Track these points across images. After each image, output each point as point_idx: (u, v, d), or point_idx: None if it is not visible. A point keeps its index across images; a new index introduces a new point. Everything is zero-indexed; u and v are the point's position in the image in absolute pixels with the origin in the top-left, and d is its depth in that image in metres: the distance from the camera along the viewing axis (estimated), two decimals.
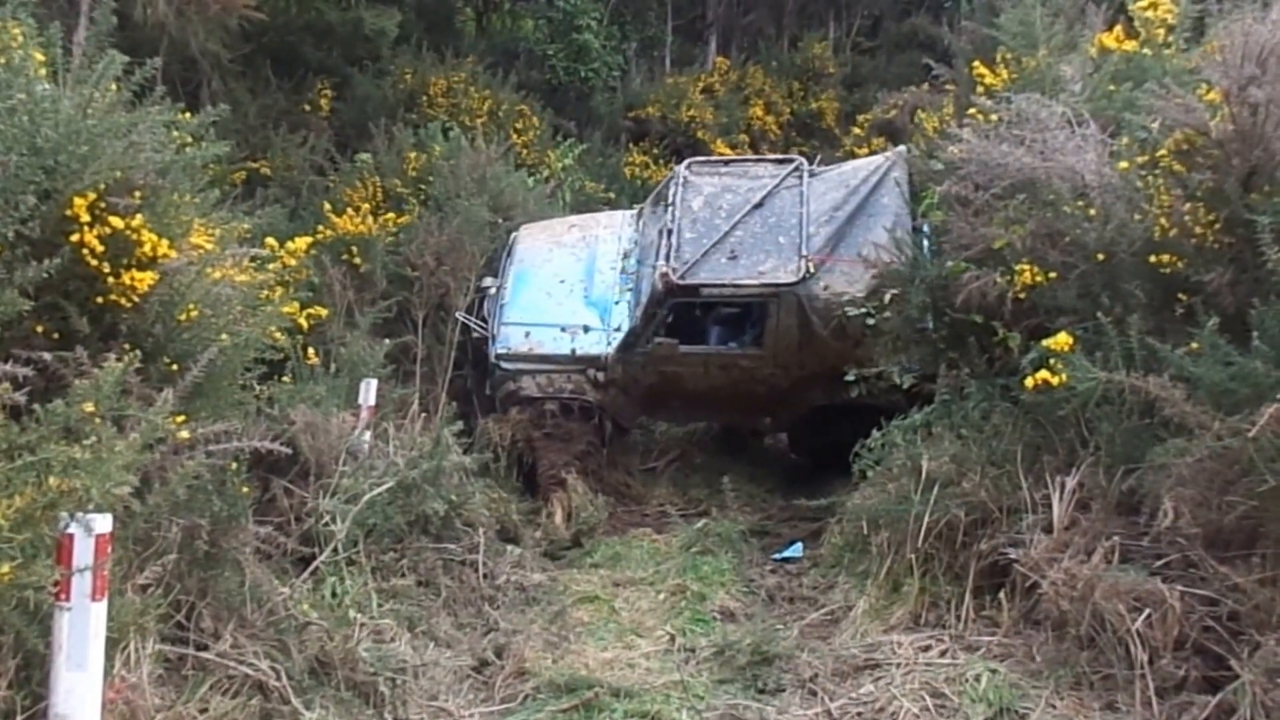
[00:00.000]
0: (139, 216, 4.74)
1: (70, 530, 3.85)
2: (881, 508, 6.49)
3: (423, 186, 10.78)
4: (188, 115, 5.64)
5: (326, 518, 6.06)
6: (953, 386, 6.71)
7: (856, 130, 17.71)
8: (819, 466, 8.86)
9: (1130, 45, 7.28)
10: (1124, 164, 5.86)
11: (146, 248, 4.76)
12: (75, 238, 4.56)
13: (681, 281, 8.90)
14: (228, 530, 5.05)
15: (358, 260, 9.48)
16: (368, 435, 7.02)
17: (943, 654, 5.52)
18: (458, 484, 7.19)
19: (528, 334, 9.40)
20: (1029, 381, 5.54)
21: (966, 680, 5.19)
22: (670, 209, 9.41)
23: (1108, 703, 4.93)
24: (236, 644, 4.84)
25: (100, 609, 3.93)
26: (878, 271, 8.00)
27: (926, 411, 6.83)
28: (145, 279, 4.75)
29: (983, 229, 6.51)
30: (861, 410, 7.63)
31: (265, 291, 6.06)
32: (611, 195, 14.38)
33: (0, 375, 4.02)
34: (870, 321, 8.02)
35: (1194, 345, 4.98)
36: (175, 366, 4.88)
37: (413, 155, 11.16)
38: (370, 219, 9.89)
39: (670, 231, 9.19)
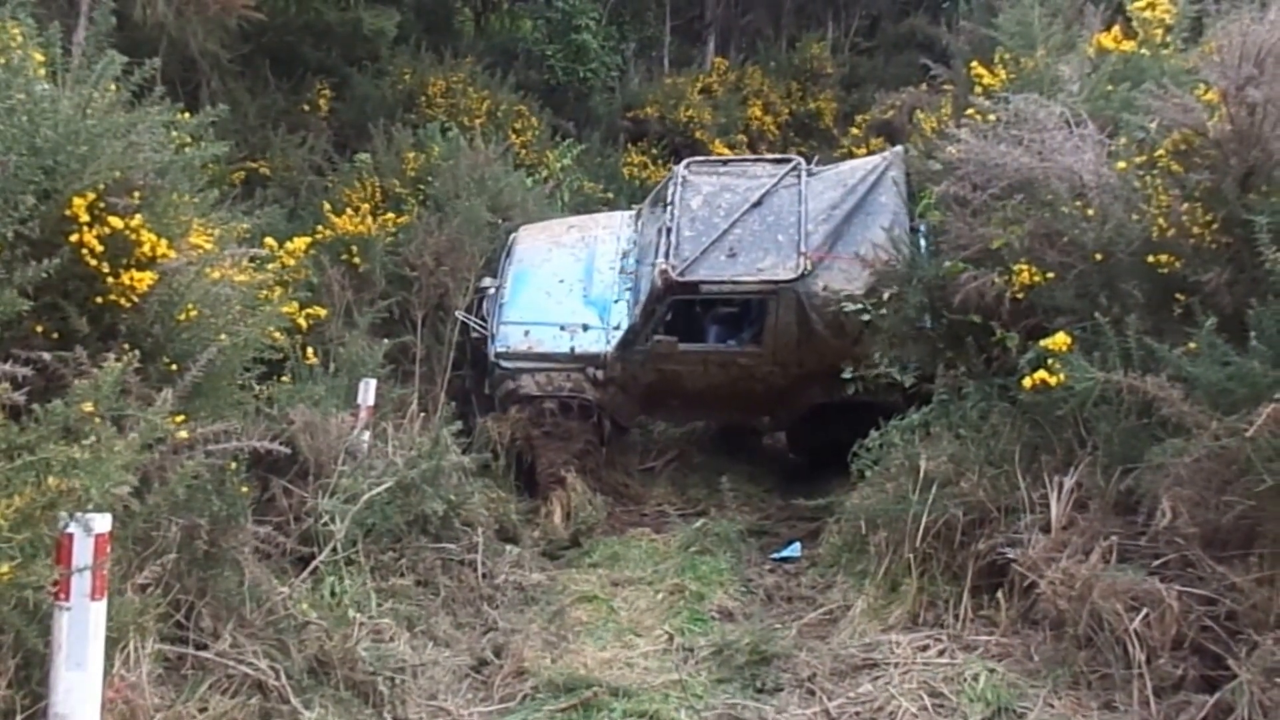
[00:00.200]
0: (138, 216, 4.75)
1: (70, 530, 3.86)
2: (880, 507, 6.50)
3: (421, 186, 10.78)
4: (187, 115, 5.64)
5: (325, 517, 6.07)
6: (951, 386, 6.72)
7: (854, 130, 17.72)
8: (817, 466, 8.86)
9: (1128, 45, 7.28)
10: (1122, 164, 5.87)
11: (146, 248, 4.77)
12: (74, 238, 4.57)
13: (681, 278, 8.92)
14: (227, 530, 5.05)
15: (357, 260, 9.48)
16: (367, 435, 7.03)
17: (941, 653, 5.53)
18: (456, 484, 7.20)
19: (527, 333, 9.41)
20: (1027, 381, 5.56)
21: (964, 679, 5.20)
22: (669, 208, 9.42)
23: (1105, 702, 4.94)
24: (236, 643, 4.84)
25: (100, 608, 3.93)
26: (875, 270, 8.02)
27: (924, 411, 6.84)
28: (144, 279, 4.76)
29: (981, 229, 6.53)
30: (860, 409, 7.65)
31: (264, 291, 6.06)
32: (610, 195, 14.38)
33: (0, 375, 4.02)
34: (867, 318, 8.04)
35: (1192, 345, 4.99)
36: (174, 366, 4.88)
37: (411, 155, 11.16)
38: (369, 219, 9.89)
39: (669, 230, 9.21)
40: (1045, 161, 6.06)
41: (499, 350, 9.35)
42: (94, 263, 4.63)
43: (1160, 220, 5.49)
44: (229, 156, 8.46)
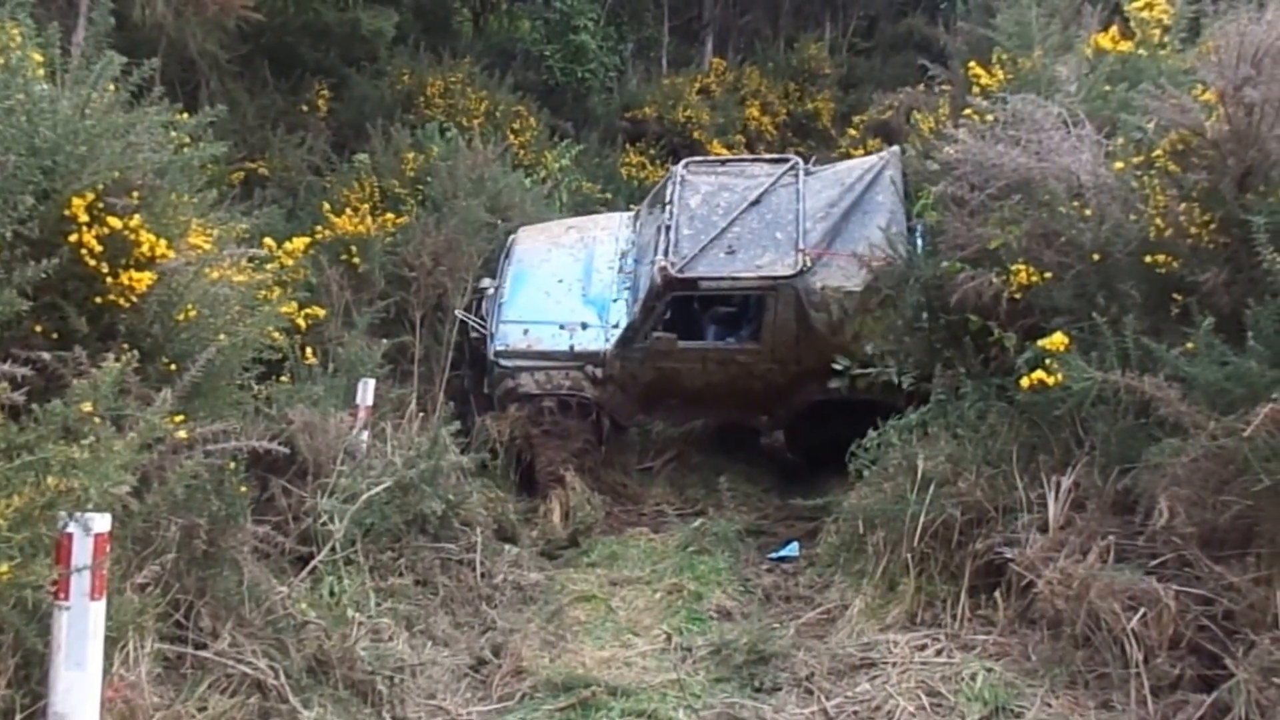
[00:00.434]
0: (137, 217, 4.75)
1: (69, 529, 3.86)
2: (877, 507, 6.51)
3: (420, 187, 10.79)
4: (186, 116, 5.63)
5: (324, 517, 6.06)
6: (948, 386, 6.73)
7: (852, 131, 17.71)
8: (815, 465, 8.88)
9: (1126, 46, 7.29)
10: (1119, 164, 5.88)
11: (144, 248, 4.78)
12: (73, 238, 4.57)
13: (680, 275, 8.95)
14: (226, 529, 5.06)
15: (355, 260, 9.48)
16: (365, 435, 7.03)
17: (938, 653, 5.54)
18: (455, 483, 7.20)
19: (526, 331, 9.42)
20: (1024, 381, 5.56)
21: (962, 679, 5.21)
22: (668, 207, 9.45)
23: (1103, 701, 4.95)
24: (235, 643, 4.84)
25: (99, 608, 3.94)
26: (872, 269, 8.03)
27: (922, 411, 6.85)
28: (143, 279, 4.76)
29: (978, 229, 6.53)
30: (858, 407, 7.67)
31: (263, 291, 6.06)
32: (608, 195, 14.39)
33: (0, 375, 4.03)
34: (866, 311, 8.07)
35: (1189, 345, 5.00)
36: (173, 366, 4.88)
37: (410, 156, 11.16)
38: (368, 219, 9.89)
39: (668, 228, 9.24)
40: (1043, 162, 6.07)
41: (498, 349, 9.37)
42: (93, 263, 4.63)
43: (1158, 220, 5.50)
44: (228, 157, 8.45)
